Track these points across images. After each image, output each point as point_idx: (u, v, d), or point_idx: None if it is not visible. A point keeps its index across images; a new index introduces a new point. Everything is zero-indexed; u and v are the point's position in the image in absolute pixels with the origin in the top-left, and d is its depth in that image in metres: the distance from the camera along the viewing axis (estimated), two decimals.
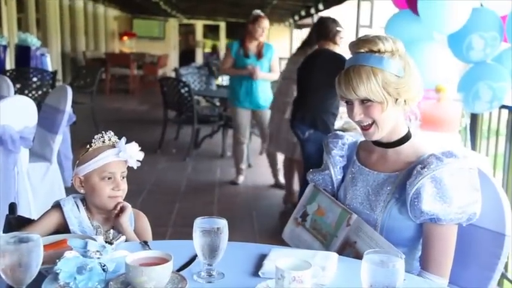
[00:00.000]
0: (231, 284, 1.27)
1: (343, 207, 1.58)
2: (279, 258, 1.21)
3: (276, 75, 5.10)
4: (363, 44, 1.51)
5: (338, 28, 3.83)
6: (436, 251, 1.46)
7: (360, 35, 5.98)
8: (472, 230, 1.56)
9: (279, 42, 18.37)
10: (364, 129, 1.53)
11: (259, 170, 5.81)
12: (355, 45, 1.53)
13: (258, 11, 5.02)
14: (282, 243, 1.68)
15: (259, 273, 1.30)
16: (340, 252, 1.51)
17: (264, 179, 5.42)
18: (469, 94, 2.94)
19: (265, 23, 4.93)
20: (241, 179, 5.28)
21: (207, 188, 5.08)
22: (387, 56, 1.48)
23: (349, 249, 1.52)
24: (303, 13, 11.06)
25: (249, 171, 5.70)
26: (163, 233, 3.67)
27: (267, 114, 4.98)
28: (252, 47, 4.96)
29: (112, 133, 1.59)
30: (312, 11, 9.37)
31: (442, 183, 1.43)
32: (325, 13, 8.92)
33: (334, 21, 3.90)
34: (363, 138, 1.63)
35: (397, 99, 1.49)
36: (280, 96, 4.49)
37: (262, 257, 1.39)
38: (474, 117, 3.58)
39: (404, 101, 1.50)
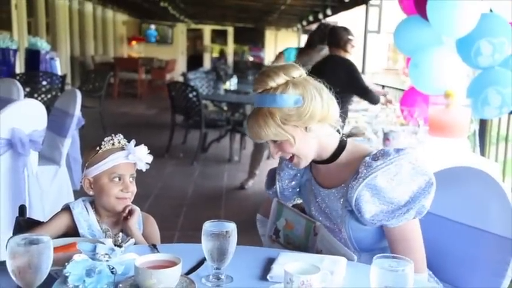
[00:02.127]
0: None
1: (306, 217, 1.58)
2: (287, 262, 1.21)
3: None
4: (256, 85, 1.49)
5: (349, 37, 3.88)
6: (402, 251, 1.43)
7: (368, 41, 5.99)
8: (480, 235, 1.55)
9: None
10: (289, 161, 1.54)
11: (266, 175, 5.80)
12: (253, 86, 1.51)
13: None
14: None
15: (268, 277, 1.30)
16: None
17: None
18: (478, 100, 2.94)
19: None
20: (250, 183, 5.27)
21: (215, 192, 5.08)
22: (280, 91, 1.45)
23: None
24: (310, 18, 11.09)
25: (256, 175, 5.70)
26: (170, 236, 3.67)
27: None
28: None
29: (121, 136, 1.61)
30: (320, 16, 9.39)
31: (377, 188, 1.41)
32: (333, 18, 8.94)
33: (345, 29, 3.95)
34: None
35: (306, 127, 1.47)
36: None
37: (271, 261, 1.38)
38: (483, 123, 3.57)
39: (319, 121, 1.47)
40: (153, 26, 19.36)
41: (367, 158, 1.44)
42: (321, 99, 1.46)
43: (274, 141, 1.49)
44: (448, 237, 1.61)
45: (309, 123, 1.46)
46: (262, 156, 5.20)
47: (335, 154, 1.53)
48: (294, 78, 1.47)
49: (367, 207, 1.41)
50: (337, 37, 3.90)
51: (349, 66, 3.77)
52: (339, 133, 1.54)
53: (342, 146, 1.54)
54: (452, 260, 1.59)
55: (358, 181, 1.41)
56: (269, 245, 1.70)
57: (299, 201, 1.76)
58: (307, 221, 1.57)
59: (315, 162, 1.57)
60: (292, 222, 1.61)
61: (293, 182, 1.70)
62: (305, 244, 1.57)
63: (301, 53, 4.54)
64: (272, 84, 1.45)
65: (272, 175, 1.77)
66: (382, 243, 1.52)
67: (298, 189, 1.71)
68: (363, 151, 1.51)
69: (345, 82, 3.61)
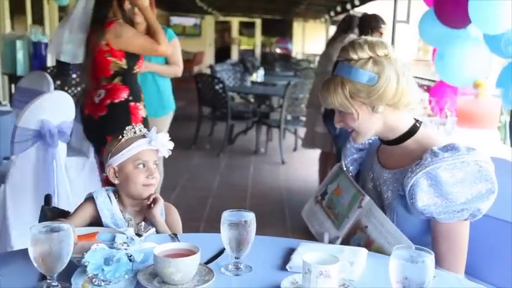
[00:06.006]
0: (258, 278, 1.27)
1: (358, 188, 1.55)
2: (307, 252, 1.20)
3: (177, 69, 3.79)
4: (341, 52, 1.49)
5: (378, 24, 3.82)
6: (444, 248, 1.40)
7: (396, 31, 5.89)
8: (498, 225, 1.51)
9: (315, 39, 18.30)
10: (350, 132, 1.54)
11: (292, 166, 5.79)
12: (340, 55, 1.51)
13: None
14: (313, 239, 1.67)
15: (287, 267, 1.30)
16: (351, 235, 1.50)
17: (297, 175, 5.40)
18: (508, 89, 2.85)
19: None
20: None
21: (240, 184, 5.10)
22: (358, 65, 1.44)
23: (361, 234, 1.48)
24: (338, 9, 10.97)
25: (282, 167, 5.70)
26: (196, 227, 3.70)
27: (163, 123, 3.73)
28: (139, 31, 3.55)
29: (142, 125, 1.64)
30: (348, 6, 9.28)
31: (437, 179, 1.36)
32: (361, 9, 8.82)
33: (375, 16, 3.89)
34: None
35: (374, 107, 1.45)
36: (315, 91, 4.46)
37: (291, 251, 1.38)
38: None
39: (388, 104, 1.45)
40: (179, 19, 19.44)
41: (434, 148, 1.41)
42: (397, 84, 1.44)
43: (340, 111, 1.50)
44: (474, 230, 1.57)
45: (376, 103, 1.45)
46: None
47: (402, 138, 1.51)
48: (378, 55, 1.46)
49: (421, 196, 1.36)
50: (364, 24, 3.86)
51: None
52: (415, 120, 1.52)
53: (412, 132, 1.50)
54: (479, 253, 1.55)
55: (420, 167, 1.37)
56: (311, 205, 1.68)
57: None
58: (357, 192, 1.54)
59: (381, 141, 1.57)
60: (342, 189, 1.59)
61: (356, 155, 1.68)
62: (344, 213, 1.54)
63: (328, 45, 4.49)
64: (354, 56, 1.45)
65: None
66: (422, 238, 1.43)
67: (359, 164, 1.69)
68: (433, 141, 1.47)
69: None
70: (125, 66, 2.84)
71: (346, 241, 1.51)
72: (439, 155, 1.37)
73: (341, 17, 11.69)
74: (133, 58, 2.85)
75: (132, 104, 2.86)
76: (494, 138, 3.07)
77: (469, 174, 1.36)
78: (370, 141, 1.66)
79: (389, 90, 1.43)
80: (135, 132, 1.60)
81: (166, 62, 3.61)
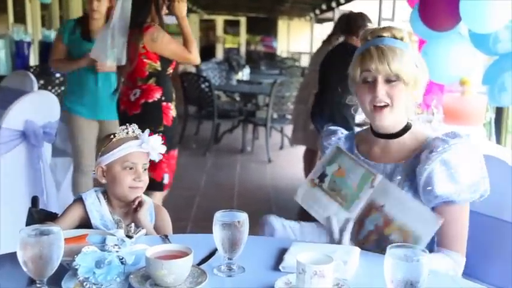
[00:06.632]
0: (252, 278, 1.26)
1: (366, 167, 1.53)
2: (299, 252, 1.20)
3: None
4: (385, 30, 1.52)
5: (364, 23, 3.80)
6: (452, 232, 1.44)
7: None
8: (495, 224, 1.52)
9: (300, 37, 18.33)
10: (379, 109, 1.50)
11: (279, 165, 5.79)
12: (375, 31, 1.54)
13: None
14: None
15: (280, 267, 1.29)
16: (365, 216, 1.48)
17: (283, 174, 5.40)
18: (494, 86, 2.87)
19: None
20: None
21: (227, 183, 5.08)
22: (410, 44, 1.51)
23: (377, 213, 1.47)
24: (323, 7, 10.98)
25: (269, 166, 5.69)
26: (183, 227, 3.68)
27: (115, 127, 3.11)
28: (96, 26, 3.40)
29: (136, 126, 1.61)
30: (333, 4, 9.29)
31: (451, 165, 1.41)
32: (347, 7, 8.84)
33: (361, 15, 3.87)
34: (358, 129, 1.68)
35: (413, 90, 1.51)
36: (307, 88, 4.43)
37: (283, 251, 1.37)
38: (499, 111, 3.51)
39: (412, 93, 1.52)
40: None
41: (441, 135, 1.47)
42: (425, 77, 1.52)
43: (389, 81, 1.48)
44: (471, 230, 1.57)
45: (416, 87, 1.50)
46: (88, 184, 3.43)
47: (403, 130, 1.54)
48: (414, 44, 1.56)
49: (440, 182, 1.41)
50: (350, 23, 3.84)
51: None
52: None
53: (408, 127, 1.54)
54: (470, 251, 1.56)
55: (434, 155, 1.42)
56: (307, 189, 1.62)
57: None
58: (366, 171, 1.51)
59: (375, 135, 1.57)
60: (346, 170, 1.55)
61: None
62: (353, 194, 1.51)
63: (322, 46, 4.48)
64: (404, 35, 1.51)
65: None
66: None
67: None
68: (426, 135, 1.53)
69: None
70: (159, 68, 3.00)
71: (359, 223, 1.48)
72: (449, 142, 1.43)
73: (327, 15, 11.74)
74: (167, 61, 3.01)
75: (164, 103, 3.03)
76: (480, 135, 3.09)
77: (473, 157, 1.44)
78: (342, 140, 1.65)
79: (423, 80, 1.52)
80: (127, 133, 1.58)
81: None
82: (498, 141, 3.43)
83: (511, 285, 1.51)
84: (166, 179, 3.13)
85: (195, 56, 3.05)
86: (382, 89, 1.47)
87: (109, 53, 3.01)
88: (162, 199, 3.10)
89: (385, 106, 1.49)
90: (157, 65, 2.98)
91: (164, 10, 3.01)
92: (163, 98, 3.02)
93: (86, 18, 3.46)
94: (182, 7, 3.01)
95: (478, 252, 1.47)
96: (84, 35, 3.39)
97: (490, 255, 1.54)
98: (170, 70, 3.08)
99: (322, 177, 1.60)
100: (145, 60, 2.96)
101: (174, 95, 3.14)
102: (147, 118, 2.95)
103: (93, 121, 3.45)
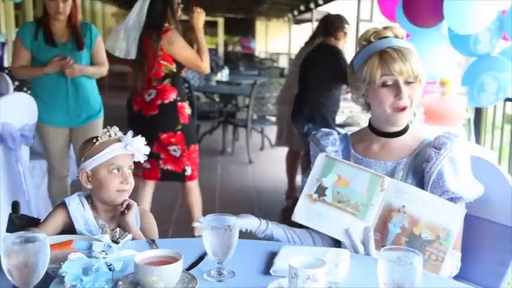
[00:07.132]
0: (242, 283, 1.24)
1: (371, 171, 1.48)
2: (289, 256, 1.18)
3: (104, 69, 3.47)
4: (388, 30, 1.54)
5: (341, 24, 3.83)
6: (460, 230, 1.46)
7: (360, 30, 5.96)
8: (483, 224, 1.54)
9: (278, 38, 18.36)
10: (401, 110, 1.50)
11: (259, 166, 5.78)
12: (378, 32, 1.54)
13: None
14: None
15: (271, 271, 1.27)
16: (387, 221, 1.42)
17: (264, 175, 5.39)
18: (473, 86, 2.92)
19: None
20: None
21: (208, 185, 5.04)
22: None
23: (399, 216, 1.41)
24: (302, 8, 11.01)
25: (250, 167, 5.67)
26: (165, 230, 3.64)
27: (88, 132, 3.09)
28: (59, 28, 3.23)
29: (117, 128, 1.58)
30: (312, 5, 9.32)
31: (456, 162, 1.46)
32: (325, 8, 8.89)
33: (338, 17, 3.91)
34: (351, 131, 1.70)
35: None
36: (290, 89, 4.41)
37: (273, 255, 1.36)
38: (478, 111, 3.56)
39: None
40: None
41: (445, 133, 1.50)
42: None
43: (409, 83, 1.49)
44: (464, 232, 1.58)
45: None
46: (66, 187, 3.43)
47: (405, 129, 1.56)
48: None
49: (450, 178, 1.43)
50: (327, 24, 3.87)
51: (336, 54, 3.73)
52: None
53: (407, 126, 1.57)
54: (470, 255, 1.56)
55: (443, 152, 1.45)
56: (307, 206, 1.50)
57: None
58: (373, 176, 1.46)
59: (377, 133, 1.57)
60: (349, 178, 1.47)
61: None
62: (366, 202, 1.44)
63: (303, 48, 4.48)
64: (403, 33, 1.55)
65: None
66: None
67: None
68: (421, 134, 1.58)
69: (333, 70, 3.58)
70: (175, 70, 3.20)
71: (382, 229, 1.42)
72: (453, 139, 1.47)
73: (305, 16, 11.77)
74: (181, 63, 3.21)
75: (179, 103, 3.21)
76: (460, 135, 3.13)
77: (467, 156, 1.51)
78: (338, 141, 1.64)
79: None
80: (110, 136, 1.54)
81: (92, 62, 3.36)
82: (477, 141, 3.48)
83: (499, 286, 1.53)
84: (188, 171, 3.30)
85: (206, 65, 3.25)
86: (405, 91, 1.49)
87: (118, 46, 3.19)
88: (193, 188, 3.42)
89: (405, 107, 1.50)
90: (173, 67, 3.17)
91: (179, 14, 3.23)
92: (178, 98, 3.19)
93: (46, 19, 3.19)
94: (200, 18, 3.28)
95: (466, 253, 1.47)
96: (48, 40, 3.16)
97: (478, 256, 1.55)
98: (183, 72, 3.28)
99: (321, 190, 1.50)
100: (161, 61, 3.14)
101: (186, 95, 3.35)
102: (165, 118, 3.16)
103: (64, 129, 3.27)
